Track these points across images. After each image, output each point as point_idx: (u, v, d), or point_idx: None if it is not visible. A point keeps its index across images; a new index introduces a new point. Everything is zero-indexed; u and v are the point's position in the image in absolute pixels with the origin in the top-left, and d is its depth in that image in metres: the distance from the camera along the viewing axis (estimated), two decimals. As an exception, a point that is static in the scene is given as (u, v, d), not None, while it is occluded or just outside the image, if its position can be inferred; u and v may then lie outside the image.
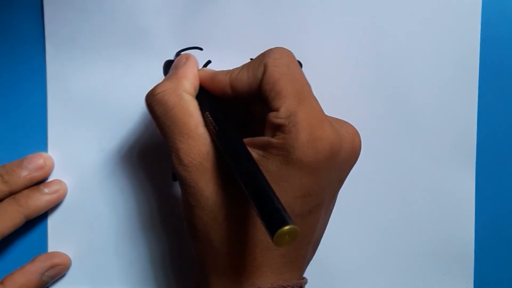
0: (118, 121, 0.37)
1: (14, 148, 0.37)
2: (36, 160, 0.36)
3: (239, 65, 0.31)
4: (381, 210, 0.37)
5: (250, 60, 0.30)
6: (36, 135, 0.37)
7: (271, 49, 0.30)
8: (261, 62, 0.29)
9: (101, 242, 0.37)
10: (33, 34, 0.37)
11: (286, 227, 0.22)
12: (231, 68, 0.31)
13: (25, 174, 0.36)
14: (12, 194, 0.36)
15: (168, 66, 0.37)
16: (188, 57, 0.33)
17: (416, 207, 0.37)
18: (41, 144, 0.37)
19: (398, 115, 0.37)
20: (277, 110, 0.28)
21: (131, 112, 0.37)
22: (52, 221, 0.37)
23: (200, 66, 0.37)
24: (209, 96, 0.32)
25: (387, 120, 0.37)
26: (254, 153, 0.28)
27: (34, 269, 0.35)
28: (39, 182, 0.36)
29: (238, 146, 0.27)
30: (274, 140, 0.27)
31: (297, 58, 0.30)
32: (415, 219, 0.37)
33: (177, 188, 0.37)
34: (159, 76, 0.37)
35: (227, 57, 0.37)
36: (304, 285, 0.30)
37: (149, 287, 0.37)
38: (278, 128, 0.27)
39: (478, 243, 0.37)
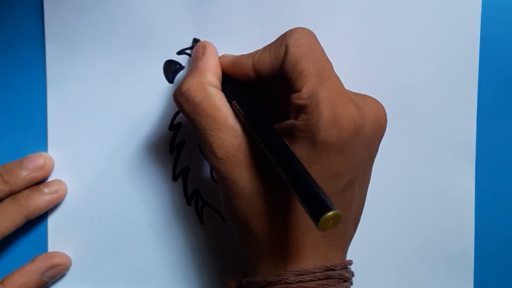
0: (118, 121, 0.37)
1: (14, 148, 0.37)
2: (36, 160, 0.36)
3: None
4: (381, 210, 0.37)
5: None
6: (36, 135, 0.37)
7: (292, 29, 0.30)
8: (282, 42, 0.29)
9: (101, 242, 0.37)
10: (33, 34, 0.37)
11: (330, 213, 0.23)
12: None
13: (25, 174, 0.35)
14: (12, 194, 0.36)
15: (168, 66, 0.37)
16: (205, 45, 0.33)
17: (416, 207, 0.37)
18: (41, 144, 0.37)
19: (398, 116, 0.37)
20: (299, 91, 0.28)
21: (131, 112, 0.37)
22: (52, 221, 0.37)
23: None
24: (233, 83, 0.32)
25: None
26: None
27: (34, 269, 0.35)
28: (39, 182, 0.36)
29: (270, 134, 0.28)
30: (298, 122, 0.27)
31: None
32: (415, 219, 0.37)
33: (177, 188, 0.37)
34: (159, 76, 0.37)
35: (227, 57, 0.36)
36: (349, 266, 0.29)
37: (149, 287, 0.38)
38: (301, 110, 0.28)
39: (478, 243, 0.37)
